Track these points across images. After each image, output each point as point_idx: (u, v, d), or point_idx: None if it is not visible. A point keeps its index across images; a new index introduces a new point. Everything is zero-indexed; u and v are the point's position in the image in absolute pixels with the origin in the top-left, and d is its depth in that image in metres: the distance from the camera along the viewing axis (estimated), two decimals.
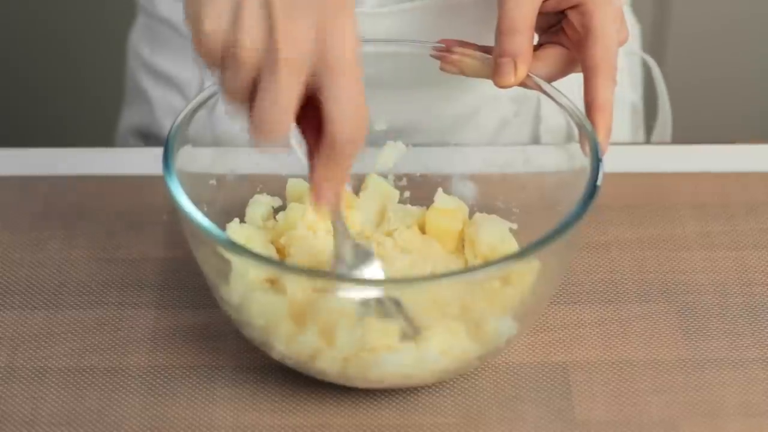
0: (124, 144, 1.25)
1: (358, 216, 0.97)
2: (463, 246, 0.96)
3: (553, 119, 1.08)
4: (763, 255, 1.01)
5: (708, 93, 2.13)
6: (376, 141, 1.00)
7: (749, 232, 1.03)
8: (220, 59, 0.78)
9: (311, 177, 0.81)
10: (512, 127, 1.12)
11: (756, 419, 0.89)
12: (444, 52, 0.95)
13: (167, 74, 1.16)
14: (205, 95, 0.92)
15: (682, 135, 1.22)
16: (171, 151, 0.88)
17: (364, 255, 0.88)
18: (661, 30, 2.08)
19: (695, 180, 1.07)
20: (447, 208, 0.96)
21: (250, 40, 0.76)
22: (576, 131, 0.91)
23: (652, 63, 1.20)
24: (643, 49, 1.29)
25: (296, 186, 0.97)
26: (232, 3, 0.76)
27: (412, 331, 0.85)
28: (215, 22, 0.77)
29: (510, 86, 0.91)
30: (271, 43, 0.76)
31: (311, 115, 0.80)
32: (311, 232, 0.94)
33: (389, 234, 0.96)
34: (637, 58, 1.25)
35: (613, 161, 1.02)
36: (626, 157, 1.09)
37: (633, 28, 1.25)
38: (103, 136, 1.37)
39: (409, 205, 0.99)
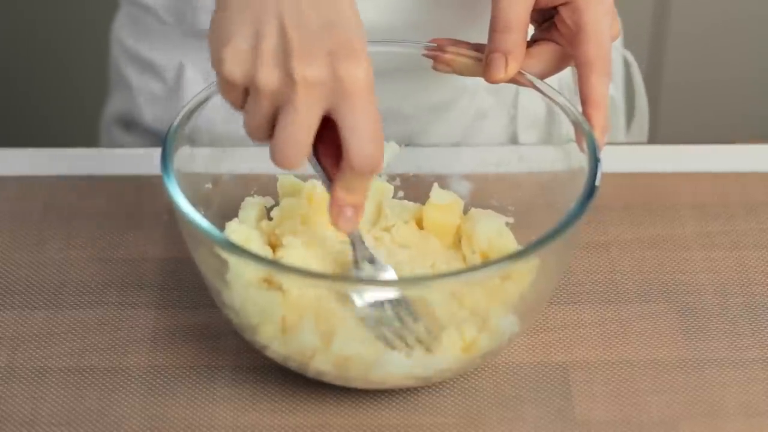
0: (108, 133, 1.25)
1: None
2: (459, 241, 0.96)
3: (531, 110, 1.08)
4: (763, 255, 1.01)
5: (707, 93, 2.13)
6: None
7: (749, 232, 1.03)
8: (241, 101, 0.82)
9: (331, 198, 0.84)
10: (490, 117, 1.12)
11: (756, 419, 0.89)
12: (437, 51, 0.95)
13: (148, 60, 1.17)
14: (202, 96, 0.92)
15: (682, 135, 1.22)
16: (169, 152, 0.88)
17: (381, 267, 0.90)
18: (660, 29, 2.08)
19: (695, 180, 1.07)
20: (444, 204, 0.96)
21: (268, 82, 0.80)
22: (558, 120, 0.92)
23: (632, 60, 1.19)
24: (636, 47, 1.29)
25: (286, 182, 0.97)
26: (250, 47, 0.80)
27: (428, 337, 0.86)
28: (235, 66, 0.80)
29: (500, 81, 0.91)
30: (288, 83, 0.79)
31: (327, 137, 0.83)
32: (306, 225, 0.94)
33: (387, 229, 0.96)
34: (618, 55, 1.25)
35: (613, 161, 1.03)
36: (626, 157, 1.09)
37: None
38: (95, 131, 1.37)
39: (405, 201, 0.99)
